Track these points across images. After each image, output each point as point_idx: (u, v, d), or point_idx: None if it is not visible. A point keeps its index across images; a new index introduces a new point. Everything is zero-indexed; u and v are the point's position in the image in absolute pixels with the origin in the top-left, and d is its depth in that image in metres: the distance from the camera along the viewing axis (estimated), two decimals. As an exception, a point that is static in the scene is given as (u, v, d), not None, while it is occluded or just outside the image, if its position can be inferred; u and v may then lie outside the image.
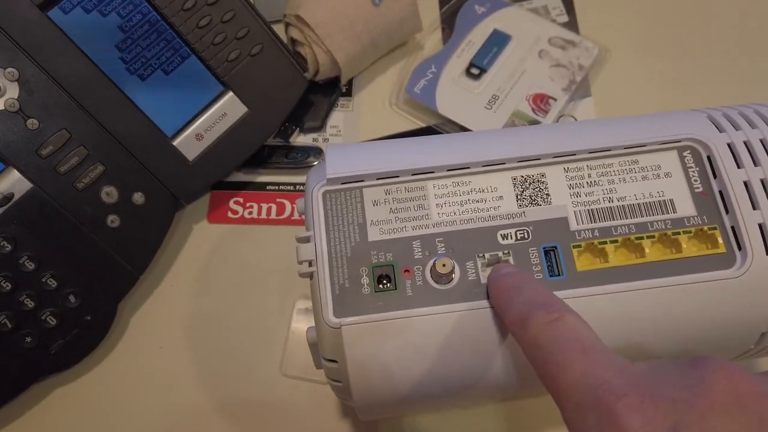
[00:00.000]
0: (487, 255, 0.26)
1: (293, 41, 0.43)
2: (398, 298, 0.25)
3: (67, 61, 0.37)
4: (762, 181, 0.26)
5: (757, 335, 0.27)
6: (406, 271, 0.26)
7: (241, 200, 0.44)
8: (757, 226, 0.26)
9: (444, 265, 0.25)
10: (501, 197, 0.27)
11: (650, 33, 0.48)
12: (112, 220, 0.38)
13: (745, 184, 0.26)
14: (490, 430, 0.36)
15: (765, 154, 0.27)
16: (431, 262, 0.25)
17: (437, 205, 0.27)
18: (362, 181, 0.27)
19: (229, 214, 0.43)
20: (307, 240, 0.26)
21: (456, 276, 0.25)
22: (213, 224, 0.43)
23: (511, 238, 0.26)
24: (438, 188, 0.27)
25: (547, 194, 0.27)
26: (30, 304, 0.36)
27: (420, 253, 0.26)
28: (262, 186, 0.44)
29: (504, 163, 0.27)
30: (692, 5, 0.49)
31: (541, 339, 0.20)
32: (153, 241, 0.40)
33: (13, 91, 0.36)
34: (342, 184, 0.27)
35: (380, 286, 0.25)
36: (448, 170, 0.27)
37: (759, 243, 0.26)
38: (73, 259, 0.37)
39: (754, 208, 0.26)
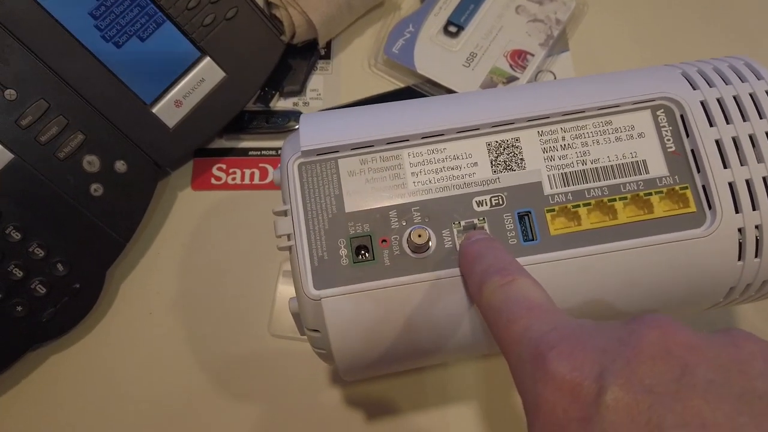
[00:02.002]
0: (462, 222, 0.26)
1: (269, 4, 0.42)
2: (376, 268, 0.26)
3: (42, 30, 0.36)
4: (734, 139, 0.27)
5: (725, 290, 0.27)
6: (384, 241, 0.26)
7: (224, 166, 0.44)
8: (727, 185, 0.26)
9: (420, 236, 0.25)
10: (476, 163, 0.27)
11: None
12: (96, 189, 0.38)
13: (717, 142, 0.27)
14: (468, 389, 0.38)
15: (737, 111, 0.27)
16: (408, 232, 0.26)
17: (413, 173, 0.27)
18: (337, 151, 0.27)
19: (213, 181, 0.44)
20: (284, 213, 0.27)
21: (432, 245, 0.26)
22: (197, 191, 0.43)
23: (486, 205, 0.27)
24: (413, 156, 0.27)
25: (521, 159, 0.27)
26: (18, 273, 0.37)
27: (397, 223, 0.26)
28: (244, 152, 0.44)
29: (478, 129, 0.27)
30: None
31: (494, 300, 0.21)
32: (137, 209, 0.40)
33: (-13, 64, 0.36)
34: (317, 155, 0.27)
35: (358, 257, 0.26)
36: (423, 138, 0.27)
37: (729, 201, 0.26)
38: (59, 229, 0.37)
39: (725, 167, 0.26)
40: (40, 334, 0.38)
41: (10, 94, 0.36)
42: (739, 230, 0.26)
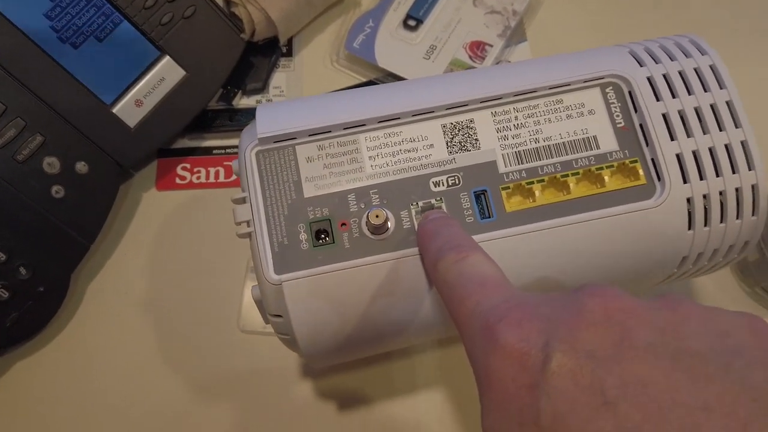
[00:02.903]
0: (420, 203, 0.27)
1: (228, 2, 0.42)
2: (336, 251, 0.26)
3: (-7, 33, 0.36)
4: (680, 113, 0.27)
5: (678, 259, 0.28)
6: (343, 224, 0.26)
7: (188, 166, 0.44)
8: (675, 157, 0.27)
9: (377, 216, 0.25)
10: (432, 145, 0.28)
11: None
12: (57, 191, 0.38)
13: (664, 116, 0.27)
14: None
15: (683, 85, 0.28)
16: (366, 214, 0.26)
17: (370, 157, 0.27)
18: (294, 138, 0.27)
19: (178, 180, 0.44)
20: (243, 201, 0.27)
21: (391, 226, 0.26)
22: (162, 191, 0.43)
23: (443, 185, 0.27)
24: (370, 140, 0.28)
25: (476, 139, 0.28)
26: (-21, 279, 0.36)
27: (355, 206, 0.27)
28: (208, 150, 0.44)
29: (433, 111, 0.28)
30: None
31: (448, 276, 0.22)
32: (100, 210, 0.40)
33: (-61, 68, 0.35)
34: (274, 143, 0.27)
35: (318, 241, 0.26)
36: (379, 122, 0.28)
37: (676, 172, 0.27)
38: (20, 232, 0.37)
39: (672, 139, 0.27)
40: (4, 339, 0.37)
41: (-35, 97, 0.36)
42: (688, 200, 0.27)
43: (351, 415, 0.37)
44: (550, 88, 0.28)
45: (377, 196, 0.27)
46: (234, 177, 0.43)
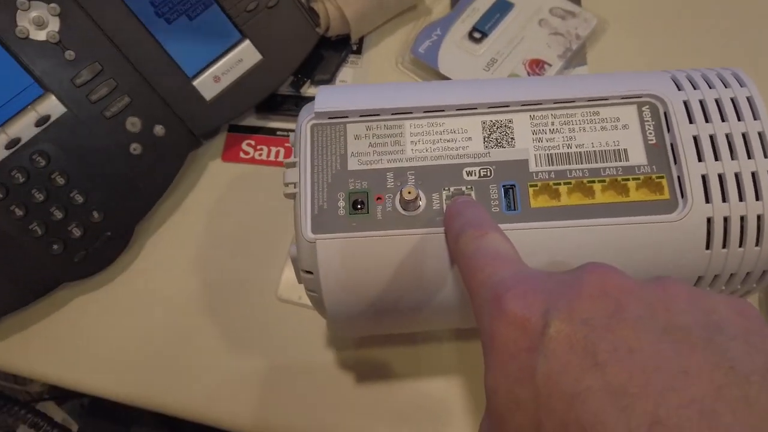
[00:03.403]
0: (451, 188, 0.29)
1: (308, -4, 0.46)
2: (369, 220, 0.29)
3: (103, 1, 0.41)
4: (711, 137, 0.29)
5: (694, 278, 0.29)
6: (378, 198, 0.29)
7: (252, 143, 0.48)
8: (700, 177, 0.28)
9: (409, 192, 0.28)
10: (470, 138, 0.30)
11: (648, 7, 0.50)
12: (135, 148, 0.42)
13: (695, 138, 0.29)
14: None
15: (717, 112, 0.29)
16: (400, 191, 0.29)
17: (412, 142, 0.30)
18: (347, 117, 0.30)
19: (241, 155, 0.47)
20: (293, 165, 0.30)
21: (422, 205, 0.29)
22: (226, 163, 0.47)
23: (475, 175, 0.29)
24: (414, 127, 0.30)
25: (511, 138, 0.30)
26: (59, 215, 0.40)
27: (392, 183, 0.29)
28: (272, 131, 0.48)
29: (476, 108, 0.30)
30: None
31: (467, 249, 0.24)
32: (170, 172, 0.44)
33: (54, 24, 0.40)
34: (329, 118, 0.30)
35: (355, 209, 0.29)
36: (425, 112, 0.30)
37: (700, 191, 0.28)
38: (98, 179, 0.41)
39: (699, 161, 0.28)
40: (71, 272, 0.42)
41: (69, 54, 0.41)
42: (708, 220, 0.28)
43: (372, 387, 0.40)
44: (589, 100, 0.30)
45: (413, 176, 0.29)
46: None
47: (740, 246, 0.28)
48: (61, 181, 0.40)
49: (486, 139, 0.30)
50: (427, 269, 0.28)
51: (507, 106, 0.30)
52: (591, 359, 0.18)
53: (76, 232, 0.41)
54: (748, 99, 0.29)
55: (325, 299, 0.29)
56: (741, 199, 0.28)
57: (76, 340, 0.42)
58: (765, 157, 0.28)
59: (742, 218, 0.28)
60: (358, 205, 0.29)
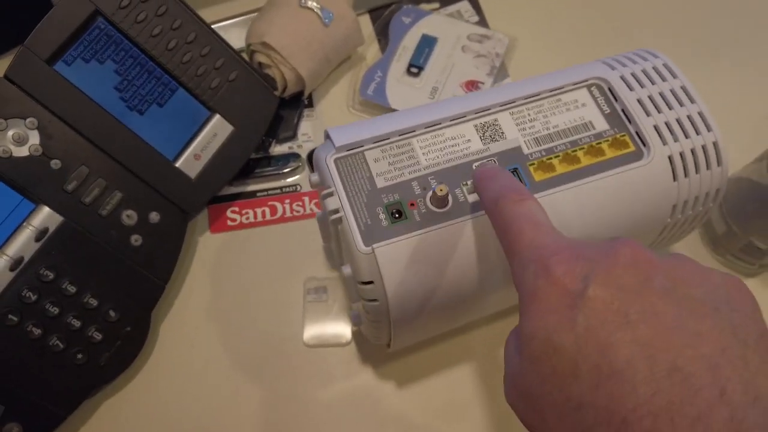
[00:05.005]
0: (469, 182, 0.34)
1: (260, 65, 0.51)
2: (411, 224, 0.33)
3: (76, 105, 0.43)
4: (649, 97, 0.36)
5: (670, 207, 0.36)
6: (411, 204, 0.33)
7: (236, 209, 0.50)
8: (653, 127, 0.35)
9: (441, 190, 0.33)
10: (469, 140, 0.35)
11: (549, 19, 0.59)
12: (135, 240, 0.44)
13: (638, 101, 0.36)
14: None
15: (647, 79, 0.37)
16: (430, 192, 0.33)
17: (423, 153, 0.35)
18: (362, 146, 0.35)
19: (229, 223, 0.50)
20: (331, 194, 0.34)
21: (450, 201, 0.34)
22: (216, 234, 0.49)
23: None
24: (421, 141, 0.35)
25: (502, 132, 0.36)
26: (77, 323, 0.41)
27: (419, 190, 0.34)
28: (252, 194, 0.51)
29: (465, 116, 0.36)
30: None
31: (507, 214, 0.27)
32: (173, 253, 0.46)
33: (34, 138, 0.41)
34: (347, 150, 0.35)
35: (394, 218, 0.33)
36: (426, 128, 0.36)
37: (656, 138, 0.35)
38: (107, 278, 0.42)
39: (647, 116, 0.36)
40: (99, 378, 0.42)
41: (55, 163, 0.42)
42: (669, 158, 0.35)
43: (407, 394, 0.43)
44: (550, 92, 0.37)
45: (434, 180, 0.34)
46: (278, 215, 0.50)
47: (697, 172, 0.36)
48: (72, 289, 0.41)
49: (482, 137, 0.35)
50: (472, 250, 0.33)
51: (489, 110, 0.36)
52: (623, 318, 0.21)
53: (97, 336, 0.42)
54: (665, 65, 0.38)
55: (390, 301, 0.33)
56: (686, 136, 0.35)
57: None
58: (692, 102, 0.36)
59: (692, 150, 0.35)
60: (396, 214, 0.33)
